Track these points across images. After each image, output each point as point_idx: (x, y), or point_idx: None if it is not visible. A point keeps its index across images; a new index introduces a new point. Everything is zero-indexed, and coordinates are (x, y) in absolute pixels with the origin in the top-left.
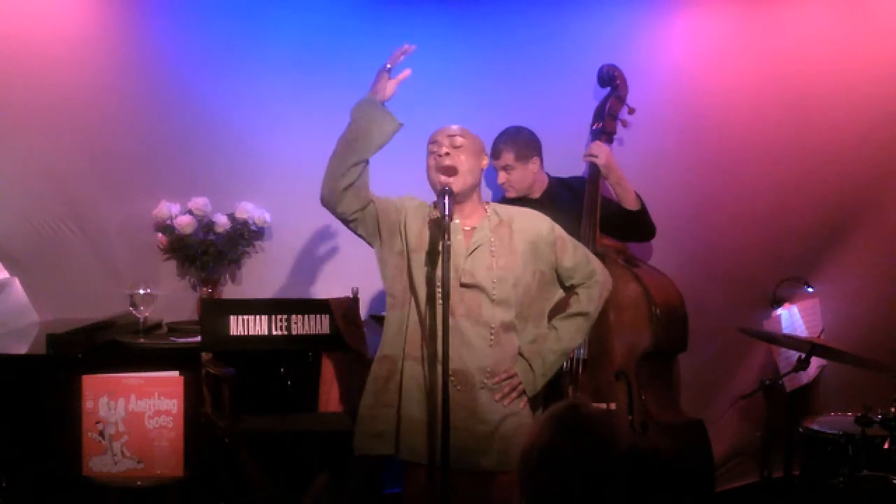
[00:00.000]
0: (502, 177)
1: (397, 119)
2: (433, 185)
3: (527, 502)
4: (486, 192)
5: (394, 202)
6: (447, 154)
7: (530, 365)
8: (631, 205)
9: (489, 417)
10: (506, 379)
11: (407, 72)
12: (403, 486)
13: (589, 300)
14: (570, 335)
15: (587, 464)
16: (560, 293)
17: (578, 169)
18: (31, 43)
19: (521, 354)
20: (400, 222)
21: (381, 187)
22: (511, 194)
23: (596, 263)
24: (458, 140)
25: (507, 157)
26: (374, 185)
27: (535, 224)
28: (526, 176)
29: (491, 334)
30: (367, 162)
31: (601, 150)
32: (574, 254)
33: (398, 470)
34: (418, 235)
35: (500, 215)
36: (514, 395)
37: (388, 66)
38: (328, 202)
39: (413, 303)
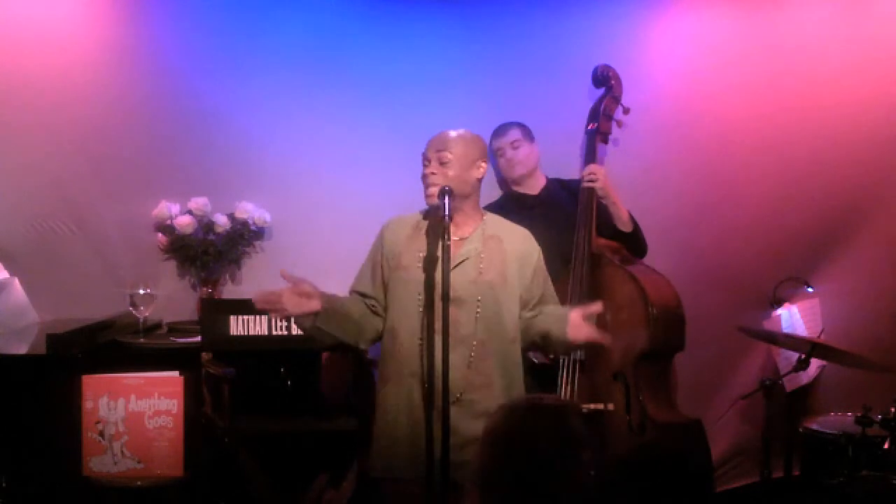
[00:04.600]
0: (509, 153)
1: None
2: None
3: (480, 490)
4: (491, 191)
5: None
6: (432, 174)
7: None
8: (624, 226)
9: (462, 426)
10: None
11: (305, 284)
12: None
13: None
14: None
15: (540, 452)
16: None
17: (574, 170)
18: (30, 43)
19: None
20: (379, 259)
21: (381, 187)
22: (520, 170)
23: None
24: (446, 156)
25: (515, 133)
26: (374, 186)
27: (526, 245)
28: (532, 154)
29: (471, 353)
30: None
31: (599, 173)
32: (544, 286)
33: None
34: (402, 253)
35: (493, 228)
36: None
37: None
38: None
39: (399, 328)
